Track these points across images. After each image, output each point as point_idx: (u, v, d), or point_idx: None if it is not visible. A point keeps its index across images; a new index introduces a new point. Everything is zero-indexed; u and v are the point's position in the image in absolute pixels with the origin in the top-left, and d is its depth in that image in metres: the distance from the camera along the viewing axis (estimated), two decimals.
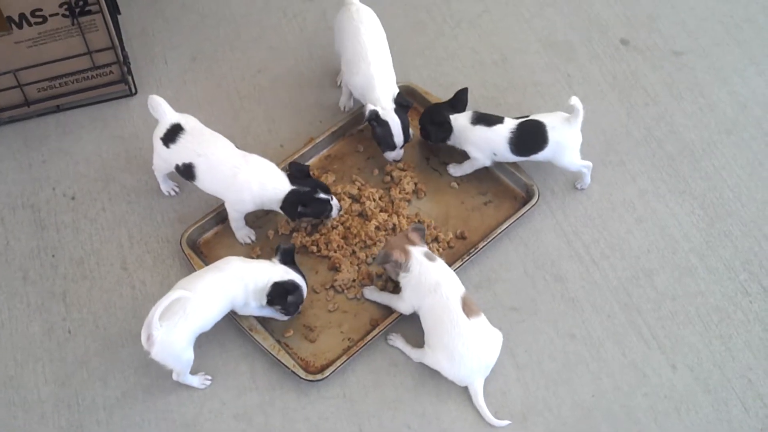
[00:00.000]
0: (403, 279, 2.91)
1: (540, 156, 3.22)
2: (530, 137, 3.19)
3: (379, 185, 3.35)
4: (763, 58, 3.77)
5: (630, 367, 2.97)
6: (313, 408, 2.88)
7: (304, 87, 3.67)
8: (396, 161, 3.38)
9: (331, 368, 2.89)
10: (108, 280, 3.14)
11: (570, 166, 3.26)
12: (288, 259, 2.93)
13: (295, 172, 3.09)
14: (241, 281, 2.84)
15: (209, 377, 2.92)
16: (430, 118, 3.29)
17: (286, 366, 2.89)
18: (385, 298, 3.03)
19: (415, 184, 3.34)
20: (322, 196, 3.06)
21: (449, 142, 3.31)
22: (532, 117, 3.22)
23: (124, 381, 2.93)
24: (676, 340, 3.03)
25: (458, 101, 3.29)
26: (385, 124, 3.25)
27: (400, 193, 3.30)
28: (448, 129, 3.26)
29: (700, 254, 3.22)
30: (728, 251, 3.23)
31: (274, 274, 2.86)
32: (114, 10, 3.62)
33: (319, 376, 2.88)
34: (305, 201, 3.04)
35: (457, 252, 3.17)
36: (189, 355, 2.80)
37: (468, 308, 2.83)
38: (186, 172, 3.10)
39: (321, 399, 2.90)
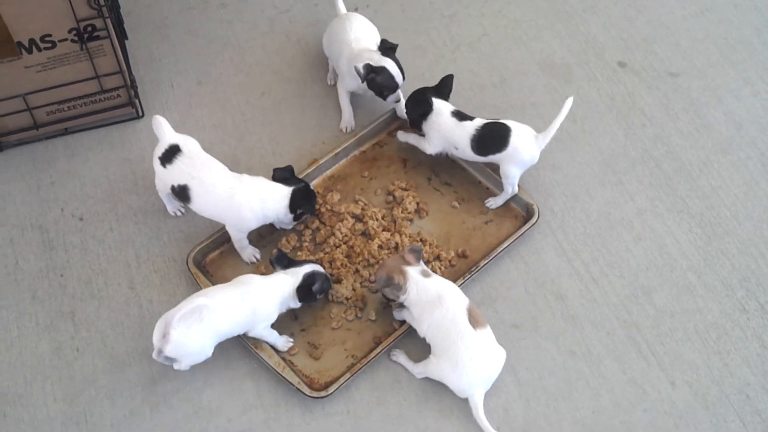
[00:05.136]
0: (405, 300, 2.95)
1: (495, 158, 3.29)
2: (493, 137, 3.26)
3: (382, 205, 3.41)
4: (757, 78, 3.83)
5: (630, 384, 3.01)
6: (318, 424, 2.92)
7: (307, 109, 3.73)
8: (397, 102, 3.48)
9: (336, 385, 2.93)
10: (115, 299, 3.19)
11: (508, 177, 3.30)
12: (285, 263, 3.02)
13: (283, 174, 3.19)
14: (264, 296, 2.93)
15: None
16: (413, 96, 3.38)
17: (291, 383, 2.93)
18: (407, 316, 3.03)
19: (417, 203, 3.39)
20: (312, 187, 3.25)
21: (423, 127, 3.37)
22: (501, 120, 3.30)
23: (132, 399, 2.97)
24: (674, 357, 3.07)
25: (443, 86, 3.39)
26: (382, 70, 3.36)
27: (402, 212, 3.35)
28: (427, 106, 3.32)
29: (698, 272, 3.27)
30: (726, 269, 3.28)
31: (291, 281, 2.96)
32: (121, 35, 3.69)
33: (323, 393, 2.92)
34: (309, 195, 3.19)
35: (459, 270, 3.22)
36: (199, 357, 2.89)
37: (474, 319, 2.87)
38: (181, 193, 3.15)
39: (325, 416, 2.94)
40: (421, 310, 2.91)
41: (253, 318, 2.92)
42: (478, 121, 3.29)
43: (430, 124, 3.35)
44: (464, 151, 3.32)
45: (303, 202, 3.16)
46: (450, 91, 3.40)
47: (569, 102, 3.18)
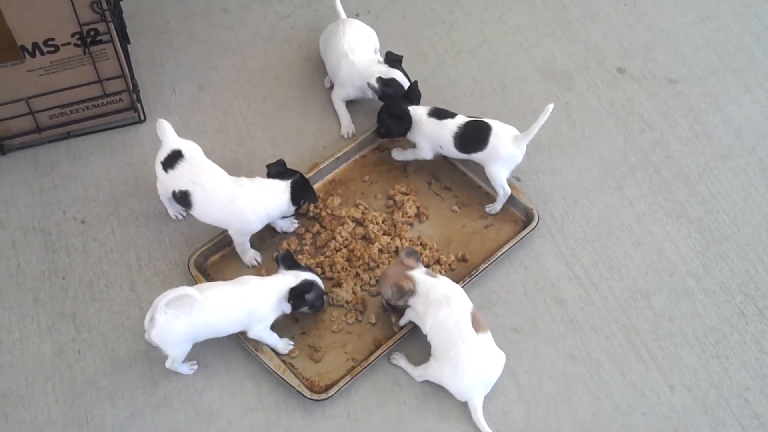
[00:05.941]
0: (414, 302, 2.96)
1: (477, 157, 3.31)
2: (473, 135, 3.29)
3: (382, 209, 3.42)
4: (757, 86, 3.85)
5: (629, 387, 3.02)
6: (318, 427, 2.93)
7: (308, 114, 3.75)
8: None
9: (336, 388, 2.94)
10: (117, 301, 3.20)
11: (493, 178, 3.32)
12: (290, 264, 3.02)
13: (278, 168, 3.21)
14: (260, 296, 2.94)
15: (195, 363, 3.02)
16: (389, 113, 3.40)
17: (292, 386, 2.94)
18: (412, 316, 3.04)
19: (417, 208, 3.40)
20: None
21: (408, 136, 3.42)
22: (484, 119, 3.32)
23: (133, 400, 2.98)
24: (673, 361, 3.08)
25: (412, 94, 3.44)
26: (392, 81, 3.44)
27: (402, 216, 3.37)
28: (408, 120, 3.36)
29: (697, 277, 3.28)
30: (724, 274, 3.29)
31: (289, 281, 2.96)
32: (124, 40, 3.70)
33: (323, 396, 2.93)
34: (307, 183, 3.20)
35: (459, 274, 3.23)
36: (185, 348, 2.91)
37: (477, 323, 2.89)
38: (182, 199, 3.16)
39: (325, 418, 2.95)
40: (427, 307, 2.92)
41: (248, 319, 2.93)
42: (461, 119, 3.32)
43: (413, 133, 3.40)
44: (448, 149, 3.35)
45: (304, 192, 3.17)
46: (419, 96, 3.46)
47: (549, 108, 3.18)
